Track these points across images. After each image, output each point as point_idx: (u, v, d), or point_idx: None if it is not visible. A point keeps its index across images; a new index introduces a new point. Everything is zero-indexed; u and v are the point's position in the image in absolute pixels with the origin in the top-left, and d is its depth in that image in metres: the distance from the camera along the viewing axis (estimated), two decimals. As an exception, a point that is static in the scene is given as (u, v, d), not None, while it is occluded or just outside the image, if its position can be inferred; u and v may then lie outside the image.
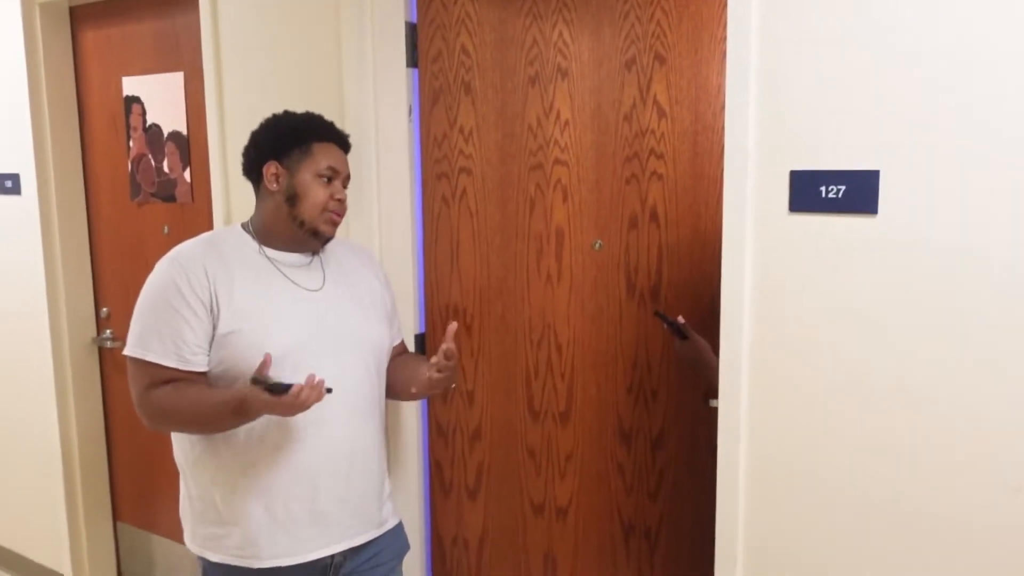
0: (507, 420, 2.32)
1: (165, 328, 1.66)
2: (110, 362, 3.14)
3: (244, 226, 1.83)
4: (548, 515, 2.33)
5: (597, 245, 2.17)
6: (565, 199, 2.18)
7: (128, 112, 2.95)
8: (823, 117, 1.63)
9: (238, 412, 1.62)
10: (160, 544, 3.11)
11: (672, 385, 2.16)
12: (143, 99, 2.90)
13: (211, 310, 1.67)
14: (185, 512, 1.83)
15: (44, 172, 2.97)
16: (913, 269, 1.57)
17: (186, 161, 2.82)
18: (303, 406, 1.56)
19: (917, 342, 1.57)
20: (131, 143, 2.95)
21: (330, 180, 1.78)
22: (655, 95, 2.06)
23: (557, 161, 2.18)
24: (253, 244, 1.79)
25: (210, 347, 1.69)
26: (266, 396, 1.55)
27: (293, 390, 1.54)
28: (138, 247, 2.99)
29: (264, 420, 1.68)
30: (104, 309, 3.11)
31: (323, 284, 1.82)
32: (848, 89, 1.59)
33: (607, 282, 2.18)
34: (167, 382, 1.67)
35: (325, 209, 1.77)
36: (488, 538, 2.40)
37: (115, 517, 3.24)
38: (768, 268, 1.71)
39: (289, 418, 1.68)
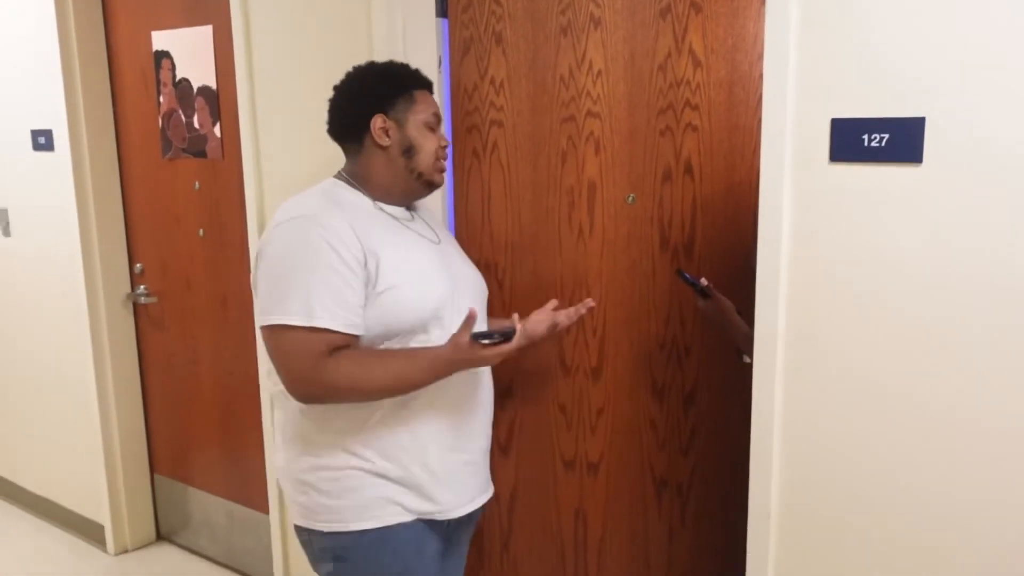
0: (538, 376, 2.31)
1: (326, 291, 1.52)
2: (144, 317, 3.17)
3: (346, 181, 1.72)
4: (579, 470, 2.33)
5: (630, 199, 2.14)
6: (597, 152, 2.15)
7: (158, 67, 2.94)
8: (866, 63, 1.58)
9: (449, 371, 1.60)
10: (196, 496, 3.16)
11: (705, 341, 2.13)
12: (172, 54, 2.89)
13: (366, 268, 1.57)
14: (308, 491, 1.68)
15: (76, 128, 2.98)
16: (958, 221, 1.52)
17: (216, 116, 2.81)
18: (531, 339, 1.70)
19: (963, 296, 1.53)
20: (161, 98, 2.95)
21: (433, 128, 1.73)
22: (690, 44, 2.01)
23: (589, 113, 2.14)
24: (366, 200, 1.70)
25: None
26: (494, 349, 1.57)
27: (518, 331, 1.59)
28: (170, 203, 3.00)
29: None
30: (138, 265, 3.13)
31: (438, 236, 1.80)
32: (892, 32, 1.53)
33: (640, 237, 2.14)
34: (337, 349, 1.55)
35: (437, 158, 1.72)
36: (519, 493, 2.41)
37: (152, 470, 3.30)
38: (806, 220, 1.67)
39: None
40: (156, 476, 3.30)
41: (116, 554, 3.22)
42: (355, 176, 1.72)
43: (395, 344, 1.63)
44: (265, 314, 1.55)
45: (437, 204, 2.29)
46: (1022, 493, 1.54)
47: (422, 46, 2.22)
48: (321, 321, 1.52)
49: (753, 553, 1.85)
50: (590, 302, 1.92)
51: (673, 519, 2.26)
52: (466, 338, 1.57)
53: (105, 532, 3.21)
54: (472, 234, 2.34)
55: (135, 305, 3.18)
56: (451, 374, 1.62)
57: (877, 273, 1.60)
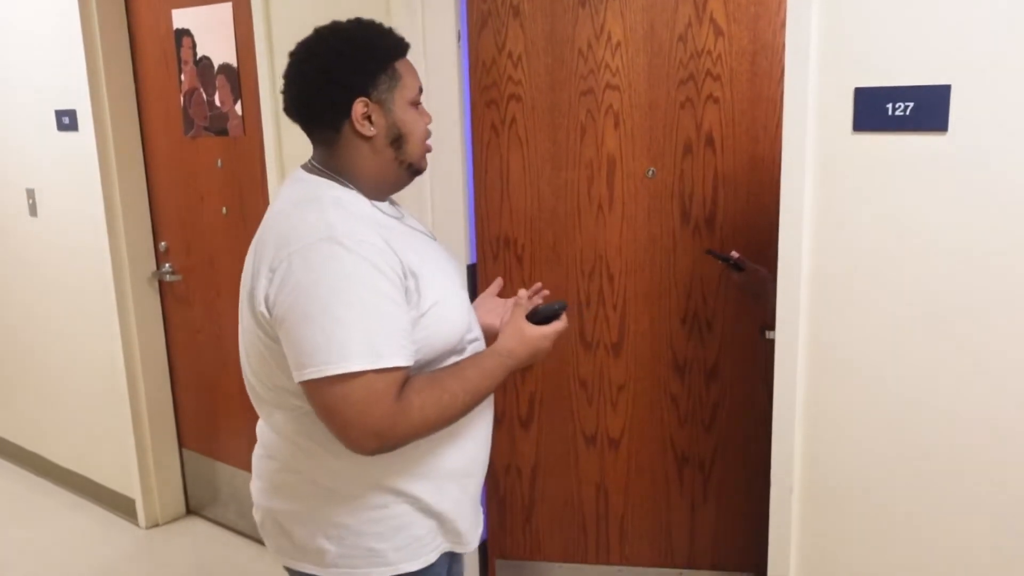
0: (559, 350, 2.30)
1: (387, 323, 1.28)
2: (169, 295, 3.21)
3: (329, 177, 1.42)
4: (600, 446, 2.33)
5: (650, 173, 2.11)
6: (617, 125, 2.12)
7: (179, 45, 2.94)
8: (890, 30, 1.55)
9: (516, 367, 1.42)
10: (224, 470, 3.21)
11: (727, 316, 2.12)
12: (193, 32, 2.89)
13: (407, 287, 1.33)
14: (344, 535, 1.42)
15: (100, 108, 3.00)
16: (985, 190, 1.50)
17: (237, 94, 2.81)
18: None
19: (988, 266, 1.51)
20: (182, 77, 2.95)
21: (418, 103, 1.45)
22: (711, 13, 1.97)
23: (608, 86, 2.11)
24: (362, 199, 1.41)
25: None
26: (550, 327, 1.43)
27: (566, 304, 1.43)
28: (192, 182, 3.02)
29: None
30: (162, 244, 3.16)
31: (425, 227, 1.57)
32: (918, -2, 1.49)
33: (660, 211, 2.12)
34: (402, 386, 1.30)
35: (424, 140, 1.45)
36: (540, 467, 2.41)
37: (180, 444, 3.34)
38: (830, 190, 1.65)
39: None
40: (184, 451, 3.34)
41: (147, 528, 3.27)
42: (334, 170, 1.42)
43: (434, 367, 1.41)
44: (317, 365, 1.25)
45: (457, 178, 2.29)
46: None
47: (441, 19, 2.20)
48: (392, 360, 1.27)
49: (775, 525, 1.85)
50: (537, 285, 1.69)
51: (695, 495, 2.25)
52: (527, 325, 1.42)
53: (136, 506, 3.27)
54: (491, 209, 2.33)
55: (160, 283, 3.20)
56: (516, 370, 1.44)
57: (901, 243, 1.58)
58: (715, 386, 2.17)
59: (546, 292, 1.65)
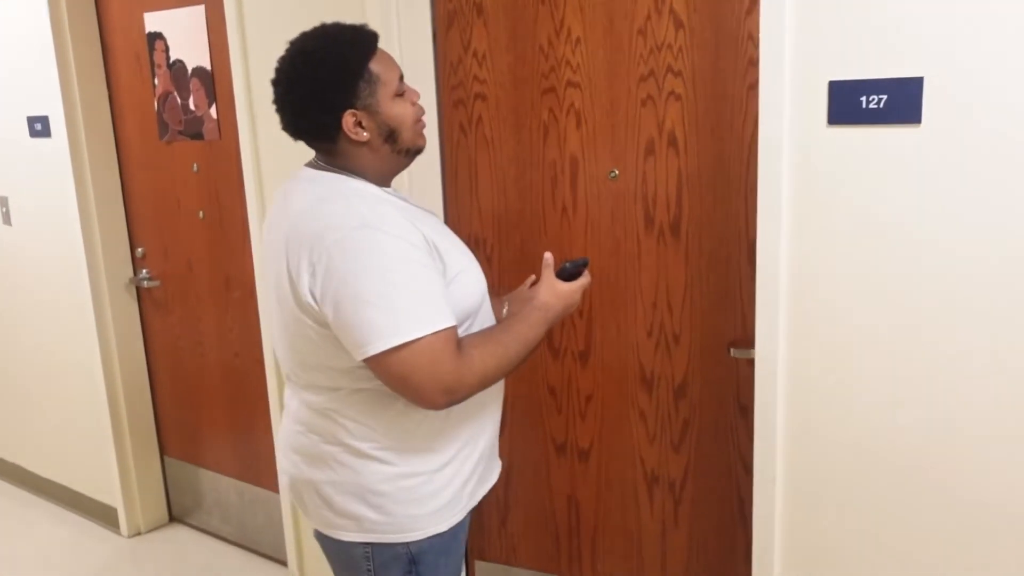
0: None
1: (431, 291, 1.40)
2: (148, 301, 3.17)
3: (338, 171, 1.51)
4: (570, 456, 2.25)
5: (613, 174, 2.03)
6: (579, 124, 2.04)
7: (152, 49, 2.90)
8: (862, 22, 1.56)
9: (554, 322, 1.57)
10: (206, 477, 3.18)
11: (696, 330, 2.02)
12: (166, 35, 2.85)
13: (438, 258, 1.46)
14: (382, 502, 1.52)
15: (72, 113, 2.96)
16: (958, 180, 1.52)
17: (212, 97, 2.77)
18: None
19: (960, 256, 1.54)
20: (156, 81, 2.91)
21: (403, 92, 1.52)
22: (671, 3, 1.88)
23: (570, 83, 2.03)
24: (374, 188, 1.51)
25: None
26: (577, 283, 1.59)
27: (588, 260, 1.60)
28: (169, 187, 2.98)
29: None
30: (139, 249, 3.12)
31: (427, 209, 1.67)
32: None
33: (624, 214, 2.03)
34: (457, 343, 1.43)
35: (416, 121, 1.54)
36: (514, 473, 2.35)
37: (162, 452, 3.32)
38: (806, 184, 1.67)
39: None
40: (166, 458, 3.31)
41: (130, 536, 3.25)
42: (340, 167, 1.52)
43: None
44: (381, 339, 1.36)
45: (434, 177, 2.25)
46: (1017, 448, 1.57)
47: (415, 18, 2.16)
48: (444, 322, 1.39)
49: (759, 516, 1.85)
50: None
51: (666, 517, 2.16)
52: (558, 282, 1.57)
53: (118, 515, 3.24)
54: (461, 209, 2.26)
55: (138, 289, 3.17)
56: (554, 323, 1.58)
57: (877, 234, 1.61)
58: (684, 404, 2.07)
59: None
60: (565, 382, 2.21)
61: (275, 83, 1.49)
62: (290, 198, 1.50)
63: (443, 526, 1.55)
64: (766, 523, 1.84)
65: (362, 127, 1.46)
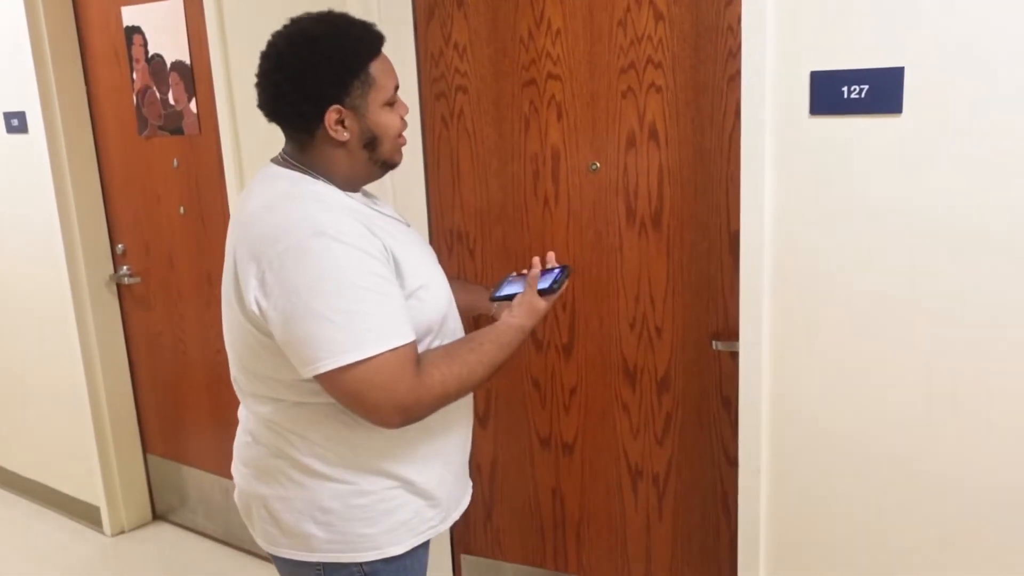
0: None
1: (388, 304, 1.33)
2: (129, 297, 3.15)
3: (301, 171, 1.43)
4: (555, 449, 2.25)
5: (594, 167, 2.02)
6: (560, 117, 2.03)
7: (129, 43, 2.87)
8: (844, 12, 1.56)
9: (524, 338, 1.51)
10: (190, 474, 3.16)
11: (678, 322, 2.01)
12: (144, 29, 2.82)
13: (395, 271, 1.38)
14: (331, 520, 1.44)
15: (50, 109, 2.93)
16: (939, 169, 1.53)
17: (191, 91, 2.74)
18: None
19: (943, 244, 1.55)
20: (135, 75, 2.88)
21: (394, 101, 1.45)
22: (651, -5, 1.87)
23: (550, 75, 2.02)
24: (337, 191, 1.43)
25: None
26: (555, 296, 1.54)
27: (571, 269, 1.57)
28: (148, 182, 2.95)
29: None
30: (119, 246, 3.10)
31: (399, 215, 1.59)
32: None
33: (606, 207, 2.03)
34: (416, 360, 1.36)
35: (399, 136, 1.46)
36: (499, 467, 2.35)
37: (145, 449, 3.29)
38: (789, 175, 1.67)
39: None
40: (149, 456, 3.29)
41: (113, 535, 3.23)
42: (307, 165, 1.44)
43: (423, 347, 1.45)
44: (333, 356, 1.28)
45: (417, 171, 2.24)
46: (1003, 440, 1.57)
47: (397, 13, 2.14)
48: (400, 338, 1.31)
49: (744, 508, 1.86)
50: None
51: (650, 510, 2.16)
52: (538, 299, 1.52)
53: (101, 514, 3.22)
54: (444, 203, 2.25)
55: (119, 286, 3.15)
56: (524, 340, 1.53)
57: (860, 224, 1.61)
58: (667, 397, 2.07)
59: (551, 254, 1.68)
60: (549, 375, 2.20)
61: (264, 56, 1.40)
62: (249, 196, 1.43)
63: (400, 548, 1.46)
64: (751, 515, 1.84)
65: (344, 126, 1.39)
